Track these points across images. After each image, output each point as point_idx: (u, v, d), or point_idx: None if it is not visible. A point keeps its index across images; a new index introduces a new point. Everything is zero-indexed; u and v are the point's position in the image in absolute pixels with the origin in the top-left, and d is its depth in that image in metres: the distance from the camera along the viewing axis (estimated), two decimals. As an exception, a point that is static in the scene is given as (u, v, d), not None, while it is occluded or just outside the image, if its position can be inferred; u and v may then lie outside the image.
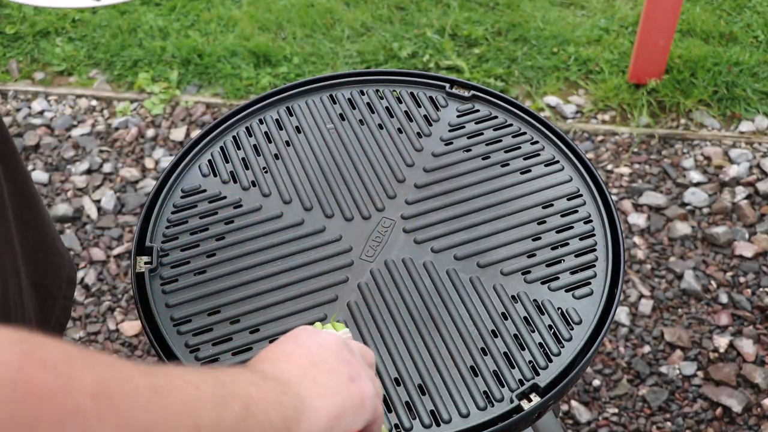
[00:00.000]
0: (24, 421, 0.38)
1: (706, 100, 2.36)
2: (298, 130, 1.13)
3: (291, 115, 1.14)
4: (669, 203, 2.13)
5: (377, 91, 1.16)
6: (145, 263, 0.98)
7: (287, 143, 1.11)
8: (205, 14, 2.67)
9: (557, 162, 1.08)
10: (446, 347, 0.91)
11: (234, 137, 1.12)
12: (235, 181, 1.07)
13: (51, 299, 1.01)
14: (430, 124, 1.12)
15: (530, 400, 0.87)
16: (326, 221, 1.02)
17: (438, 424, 0.86)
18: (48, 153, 2.33)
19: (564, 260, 0.98)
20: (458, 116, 1.13)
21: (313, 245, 1.00)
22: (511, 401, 0.87)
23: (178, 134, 2.36)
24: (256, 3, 2.70)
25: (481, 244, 1.00)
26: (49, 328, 1.01)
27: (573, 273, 0.97)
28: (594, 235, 1.00)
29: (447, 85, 1.16)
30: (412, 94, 1.16)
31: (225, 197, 1.06)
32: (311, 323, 0.93)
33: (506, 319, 0.94)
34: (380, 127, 1.12)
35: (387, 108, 1.14)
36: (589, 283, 0.96)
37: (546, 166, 1.07)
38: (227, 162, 1.09)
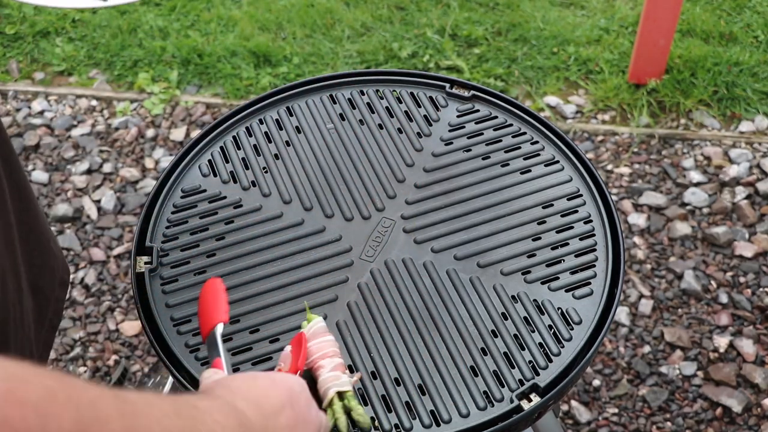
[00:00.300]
0: None
1: (706, 100, 2.36)
2: (298, 130, 1.13)
3: (291, 115, 1.14)
4: (669, 203, 2.13)
5: (377, 91, 1.16)
6: (145, 263, 0.98)
7: (287, 143, 1.11)
8: (205, 14, 2.67)
9: (557, 162, 1.08)
10: (446, 347, 0.91)
11: (234, 137, 1.12)
12: (235, 181, 1.07)
13: (45, 301, 1.01)
14: (430, 124, 1.12)
15: (530, 400, 0.87)
16: (326, 221, 1.02)
17: (438, 424, 0.86)
18: (48, 153, 2.33)
19: (564, 260, 0.98)
20: (458, 116, 1.13)
21: (313, 245, 1.00)
22: (511, 401, 0.87)
23: (178, 134, 2.36)
24: (256, 3, 2.70)
25: (481, 244, 1.00)
26: (43, 330, 1.01)
27: (573, 273, 0.97)
28: (594, 235, 1.00)
29: (447, 85, 1.16)
30: (412, 94, 1.16)
31: (225, 197, 1.06)
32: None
33: (506, 319, 0.94)
34: (380, 127, 1.12)
35: (387, 108, 1.14)
36: (589, 283, 0.96)
37: (546, 166, 1.07)
38: (227, 162, 1.09)
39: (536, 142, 1.10)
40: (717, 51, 2.45)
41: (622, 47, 2.50)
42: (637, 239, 2.05)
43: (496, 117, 1.13)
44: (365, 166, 1.08)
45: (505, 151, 1.09)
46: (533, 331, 0.92)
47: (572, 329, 0.93)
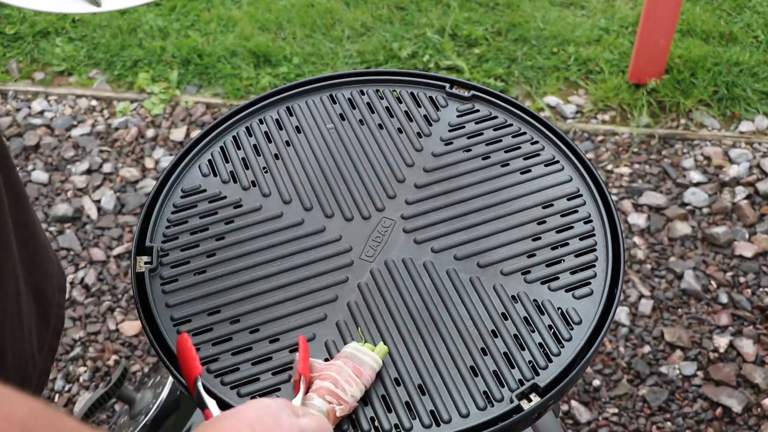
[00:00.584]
0: None
1: (706, 100, 2.36)
2: (298, 130, 1.13)
3: (291, 115, 1.14)
4: (669, 203, 2.13)
5: (377, 91, 1.16)
6: (145, 263, 0.98)
7: (287, 143, 1.11)
8: (205, 14, 2.67)
9: (557, 162, 1.08)
10: (446, 347, 0.91)
11: (234, 137, 1.12)
12: (235, 181, 1.07)
13: (47, 305, 1.02)
14: (430, 124, 1.12)
15: (530, 400, 0.87)
16: (326, 221, 1.02)
17: (438, 424, 0.86)
18: (48, 153, 2.33)
19: (564, 260, 0.98)
20: (458, 116, 1.13)
21: (313, 245, 1.00)
22: (511, 401, 0.87)
23: (178, 134, 2.36)
24: (256, 3, 2.70)
25: (481, 244, 1.00)
26: (47, 334, 1.01)
27: (573, 273, 0.97)
28: (594, 235, 1.00)
29: (447, 85, 1.16)
30: (412, 94, 1.16)
31: (225, 197, 1.06)
32: (311, 323, 0.93)
33: (506, 319, 0.93)
34: (380, 127, 1.12)
35: (387, 108, 1.14)
36: (589, 283, 0.96)
37: (546, 166, 1.07)
38: (227, 162, 1.09)
39: (536, 142, 1.10)
40: (717, 51, 2.45)
41: (622, 47, 2.50)
42: (637, 239, 2.05)
43: (496, 117, 1.13)
44: (365, 166, 1.08)
45: (505, 151, 1.09)
46: (533, 331, 0.92)
47: (572, 329, 0.93)
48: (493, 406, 0.87)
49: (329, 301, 0.95)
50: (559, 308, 0.94)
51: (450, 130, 1.12)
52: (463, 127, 1.12)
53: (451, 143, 1.10)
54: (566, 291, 0.96)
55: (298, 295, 0.96)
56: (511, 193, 1.05)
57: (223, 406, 0.87)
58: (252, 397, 0.88)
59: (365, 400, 0.88)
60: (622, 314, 1.92)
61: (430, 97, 1.16)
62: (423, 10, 2.66)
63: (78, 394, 1.85)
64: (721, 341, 1.86)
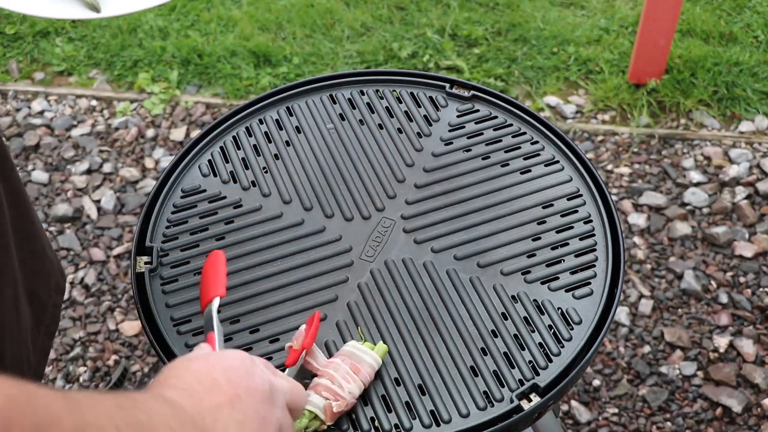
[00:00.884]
0: None
1: (706, 100, 2.36)
2: (298, 130, 1.13)
3: (291, 115, 1.14)
4: (669, 203, 2.13)
5: (377, 91, 1.17)
6: (145, 263, 0.98)
7: (287, 143, 1.11)
8: (205, 14, 2.67)
9: (557, 162, 1.08)
10: (446, 347, 0.91)
11: (234, 137, 1.12)
12: (235, 181, 1.07)
13: (42, 307, 1.01)
14: (430, 124, 1.12)
15: (530, 400, 0.87)
16: (326, 221, 1.02)
17: (438, 424, 0.86)
18: (48, 153, 2.33)
19: (564, 260, 0.98)
20: (458, 116, 1.13)
21: (313, 245, 1.00)
22: (511, 401, 0.87)
23: (178, 134, 2.36)
24: (256, 3, 2.70)
25: (481, 244, 1.00)
26: (39, 335, 1.01)
27: (573, 273, 0.97)
28: (594, 235, 1.00)
29: (447, 85, 1.16)
30: (412, 94, 1.16)
31: (225, 197, 1.06)
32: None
33: (506, 319, 0.94)
34: (380, 127, 1.12)
35: (387, 108, 1.14)
36: (589, 283, 0.96)
37: (546, 166, 1.07)
38: (227, 162, 1.09)
39: (536, 142, 1.10)
40: (717, 51, 2.45)
41: (622, 47, 2.50)
42: (637, 239, 2.05)
43: (496, 117, 1.13)
44: (365, 166, 1.08)
45: (505, 151, 1.09)
46: (533, 331, 0.92)
47: (572, 329, 0.93)
48: (493, 406, 0.87)
49: (329, 301, 0.95)
50: (559, 308, 0.94)
51: (450, 130, 1.12)
52: (463, 127, 1.12)
53: (451, 143, 1.10)
54: (566, 291, 0.96)
55: (298, 295, 0.96)
56: (511, 193, 1.05)
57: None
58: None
59: (365, 399, 0.88)
60: (622, 314, 1.92)
61: (430, 97, 1.16)
62: (423, 10, 2.66)
63: (78, 394, 1.85)
64: (721, 341, 1.86)
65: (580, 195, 1.04)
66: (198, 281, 0.97)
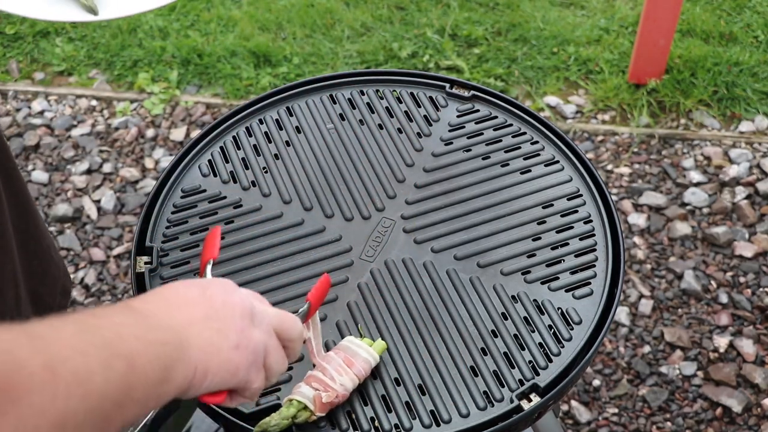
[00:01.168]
0: None
1: (706, 100, 2.36)
2: (298, 130, 1.13)
3: (291, 115, 1.14)
4: (669, 203, 2.13)
5: (377, 91, 1.16)
6: (145, 263, 0.98)
7: (287, 143, 1.11)
8: (205, 14, 2.67)
9: (557, 162, 1.08)
10: (446, 347, 0.91)
11: (234, 137, 1.12)
12: (235, 181, 1.07)
13: (47, 309, 1.01)
14: (430, 124, 1.12)
15: (530, 400, 0.87)
16: (326, 221, 1.02)
17: (438, 424, 0.86)
18: (48, 153, 2.33)
19: (564, 260, 0.98)
20: (458, 116, 1.13)
21: (313, 245, 1.00)
22: (511, 401, 0.87)
23: (178, 134, 2.36)
24: (256, 3, 2.70)
25: (481, 244, 1.00)
26: None
27: (573, 273, 0.97)
28: (594, 235, 1.00)
29: (447, 85, 1.16)
30: (412, 94, 1.16)
31: (225, 197, 1.06)
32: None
33: (506, 319, 0.93)
34: (380, 127, 1.12)
35: (387, 108, 1.14)
36: (589, 283, 0.96)
37: (546, 166, 1.07)
38: (227, 162, 1.09)
39: (536, 142, 1.10)
40: (717, 51, 2.45)
41: (622, 47, 2.50)
42: (637, 239, 2.05)
43: (496, 117, 1.13)
44: (365, 166, 1.08)
45: (505, 151, 1.09)
46: (533, 331, 0.92)
47: (572, 329, 0.93)
48: (493, 406, 0.87)
49: (329, 301, 0.95)
50: (559, 308, 0.94)
51: (450, 130, 1.12)
52: (463, 127, 1.12)
53: (451, 143, 1.10)
54: (566, 291, 0.96)
55: (298, 295, 0.96)
56: (511, 193, 1.04)
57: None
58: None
59: (365, 399, 0.88)
60: (622, 314, 1.92)
61: (430, 97, 1.16)
62: (423, 10, 2.66)
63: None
64: (721, 341, 1.86)
65: (580, 195, 1.04)
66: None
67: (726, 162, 2.22)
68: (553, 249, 0.99)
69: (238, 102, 2.41)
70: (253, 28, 2.61)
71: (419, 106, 1.15)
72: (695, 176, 2.18)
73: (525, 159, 1.08)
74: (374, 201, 1.04)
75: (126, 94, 2.47)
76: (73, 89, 2.50)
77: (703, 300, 1.94)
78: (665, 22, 2.23)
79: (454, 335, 0.92)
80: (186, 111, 2.41)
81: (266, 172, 1.08)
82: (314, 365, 0.86)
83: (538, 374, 0.89)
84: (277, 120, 1.14)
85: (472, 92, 1.15)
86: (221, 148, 1.11)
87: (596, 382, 1.82)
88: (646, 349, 1.87)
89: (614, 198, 2.12)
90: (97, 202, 2.20)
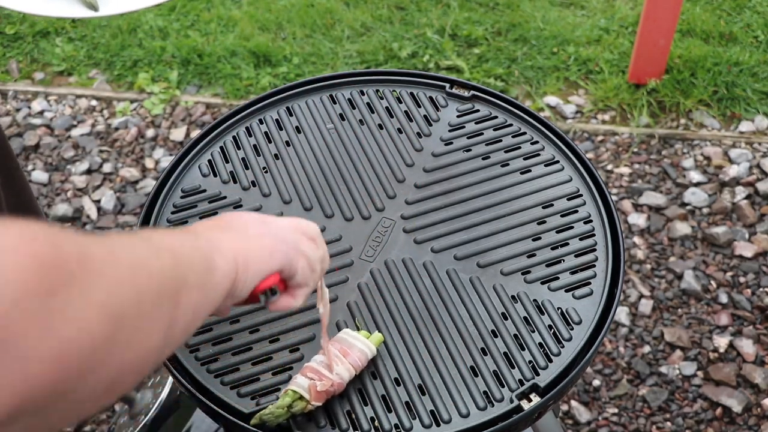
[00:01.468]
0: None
1: (706, 100, 2.36)
2: (298, 130, 1.13)
3: (291, 115, 1.14)
4: (669, 203, 2.13)
5: (377, 91, 1.16)
6: (145, 263, 0.98)
7: (287, 143, 1.11)
8: (205, 14, 2.67)
9: (557, 162, 1.08)
10: (446, 347, 0.91)
11: (234, 137, 1.12)
12: (235, 181, 1.07)
13: None
14: (430, 124, 1.12)
15: (530, 400, 0.87)
16: (326, 221, 1.02)
17: (438, 424, 0.86)
18: (48, 153, 2.33)
19: (564, 260, 0.98)
20: (458, 116, 1.13)
21: (313, 245, 1.00)
22: (511, 401, 0.87)
23: (178, 134, 2.36)
24: (256, 3, 2.70)
25: (481, 244, 1.00)
26: None
27: (573, 273, 0.97)
28: (594, 235, 1.00)
29: (447, 85, 1.16)
30: (412, 94, 1.16)
31: (225, 197, 1.06)
32: (311, 323, 0.93)
33: (506, 319, 0.93)
34: (380, 127, 1.12)
35: (387, 108, 1.14)
36: (589, 283, 0.96)
37: (546, 166, 1.07)
38: (227, 162, 1.09)
39: (536, 142, 1.10)
40: (717, 51, 2.45)
41: (622, 47, 2.50)
42: (637, 239, 2.05)
43: (496, 117, 1.13)
44: (365, 166, 1.08)
45: (505, 151, 1.09)
46: (533, 331, 0.92)
47: (572, 329, 0.93)
48: (493, 406, 0.87)
49: (329, 301, 0.95)
50: (559, 308, 0.94)
51: (450, 130, 1.12)
52: (463, 127, 1.12)
53: (451, 143, 1.10)
54: (566, 291, 0.96)
55: (298, 295, 0.96)
56: (511, 193, 1.05)
57: (223, 405, 0.87)
58: (252, 398, 0.88)
59: (365, 399, 0.88)
60: (622, 314, 1.92)
61: (430, 97, 1.16)
62: (423, 10, 2.66)
63: (78, 394, 1.85)
64: (721, 341, 1.86)
65: (580, 195, 1.04)
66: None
67: (726, 162, 2.22)
68: (553, 249, 0.99)
69: (238, 102, 2.41)
70: (253, 28, 2.61)
71: (419, 106, 1.15)
72: (695, 176, 2.18)
73: (525, 159, 1.08)
74: (374, 201, 1.04)
75: (126, 94, 2.47)
76: (73, 89, 2.50)
77: (703, 300, 1.94)
78: (665, 22, 2.23)
79: (454, 335, 0.92)
80: (186, 111, 2.41)
81: (266, 172, 1.08)
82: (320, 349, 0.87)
83: (538, 374, 0.89)
84: (277, 120, 1.14)
85: (472, 92, 1.15)
86: (221, 148, 1.11)
87: (596, 382, 1.82)
88: (646, 349, 1.87)
89: (614, 198, 2.12)
90: (97, 202, 2.20)
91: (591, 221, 1.02)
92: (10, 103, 2.48)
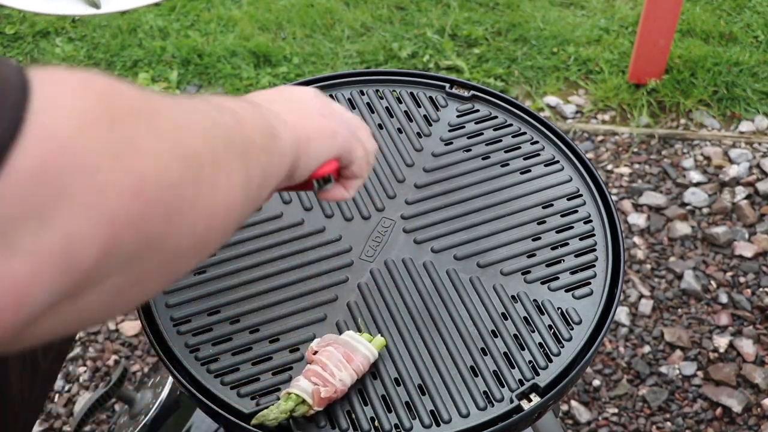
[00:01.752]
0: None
1: (706, 100, 2.36)
2: (298, 130, 1.12)
3: (291, 115, 1.14)
4: (669, 203, 2.13)
5: (377, 91, 1.16)
6: (145, 263, 0.98)
7: (287, 143, 1.11)
8: (205, 14, 2.67)
9: (557, 162, 1.08)
10: (446, 347, 0.91)
11: (234, 137, 1.12)
12: (235, 181, 1.07)
13: None
14: (430, 124, 1.12)
15: (530, 400, 0.87)
16: (326, 221, 1.02)
17: (438, 424, 0.86)
18: (48, 153, 2.33)
19: (564, 260, 0.98)
20: (458, 116, 1.13)
21: (312, 245, 1.00)
22: (511, 401, 0.87)
23: (178, 134, 2.36)
24: (256, 3, 2.70)
25: (481, 244, 1.00)
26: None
27: (573, 273, 0.97)
28: (594, 235, 1.00)
29: (447, 85, 1.16)
30: (412, 94, 1.16)
31: (225, 197, 1.05)
32: (312, 324, 0.93)
33: (506, 319, 0.93)
34: (380, 127, 1.12)
35: (387, 108, 1.14)
36: (589, 283, 0.96)
37: (546, 166, 1.07)
38: (227, 162, 1.09)
39: (536, 142, 1.10)
40: (717, 51, 2.45)
41: (622, 47, 2.50)
42: (637, 239, 2.05)
43: (496, 117, 1.13)
44: (365, 166, 1.08)
45: (505, 151, 1.09)
46: (533, 331, 0.92)
47: (572, 329, 0.93)
48: (493, 406, 0.87)
49: (329, 301, 0.95)
50: (559, 308, 0.94)
51: (450, 130, 1.12)
52: (463, 127, 1.12)
53: (451, 143, 1.10)
54: (566, 291, 0.96)
55: (298, 295, 0.96)
56: (511, 193, 1.04)
57: (223, 405, 0.87)
58: (252, 398, 0.88)
59: (365, 399, 0.88)
60: (622, 314, 1.92)
61: (430, 97, 1.16)
62: (423, 10, 2.66)
63: (78, 394, 1.85)
64: (721, 341, 1.86)
65: (580, 195, 1.04)
66: (197, 281, 0.97)
67: (726, 162, 2.22)
68: (553, 249, 0.99)
69: (238, 102, 2.40)
70: (253, 28, 2.61)
71: (419, 106, 1.15)
72: (695, 176, 2.18)
73: (525, 159, 1.08)
74: (374, 201, 1.04)
75: (126, 94, 2.47)
76: (73, 89, 2.50)
77: (703, 300, 1.94)
78: (665, 22, 2.23)
79: (454, 335, 0.92)
80: (186, 111, 2.41)
81: (266, 172, 1.08)
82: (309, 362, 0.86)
83: (538, 374, 0.89)
84: (277, 120, 1.14)
85: (472, 92, 1.15)
86: (221, 148, 1.11)
87: (596, 382, 1.82)
88: (646, 349, 1.87)
89: (614, 198, 2.12)
90: (97, 202, 2.20)
91: (591, 221, 1.02)
92: (10, 103, 2.47)
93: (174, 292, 0.96)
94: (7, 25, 2.67)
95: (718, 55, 2.43)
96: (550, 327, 0.93)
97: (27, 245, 0.37)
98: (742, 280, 1.97)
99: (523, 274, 0.97)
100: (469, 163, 1.08)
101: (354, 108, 1.14)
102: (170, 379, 1.24)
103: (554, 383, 0.88)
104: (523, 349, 0.91)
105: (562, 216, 1.02)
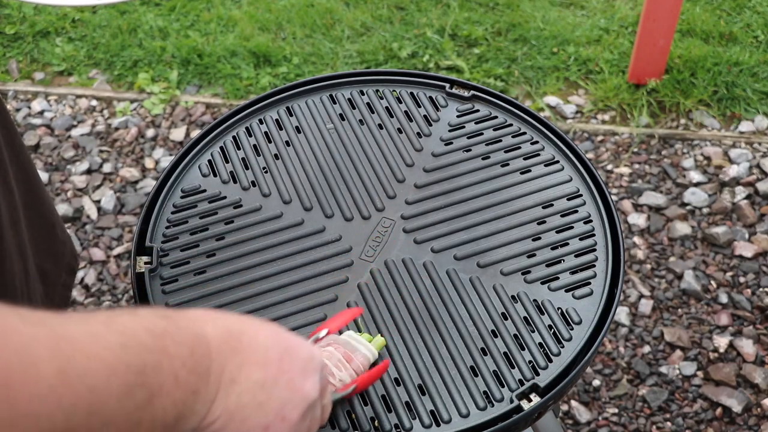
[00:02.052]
0: None
1: (706, 100, 2.36)
2: (298, 130, 1.13)
3: (291, 115, 1.14)
4: (669, 203, 2.13)
5: (377, 91, 1.16)
6: (145, 263, 0.98)
7: (287, 143, 1.11)
8: (205, 14, 2.67)
9: (557, 162, 1.08)
10: (446, 347, 0.91)
11: (234, 137, 1.12)
12: (235, 181, 1.07)
13: (51, 286, 1.02)
14: (430, 124, 1.12)
15: (530, 400, 0.87)
16: (326, 221, 1.02)
17: (438, 424, 0.86)
18: (48, 153, 2.33)
19: (564, 260, 0.98)
20: (458, 116, 1.13)
21: (313, 245, 1.00)
22: (511, 401, 0.87)
23: (178, 134, 2.36)
24: (256, 3, 2.70)
25: (481, 244, 1.00)
26: None
27: (573, 273, 0.97)
28: (594, 235, 1.00)
29: (447, 85, 1.16)
30: (412, 94, 1.16)
31: (225, 197, 1.06)
32: (312, 324, 0.93)
33: (506, 319, 0.94)
34: (380, 127, 1.12)
35: (387, 108, 1.14)
36: (589, 283, 0.96)
37: (546, 166, 1.07)
38: (227, 162, 1.09)
39: (536, 142, 1.10)
40: (717, 51, 2.45)
41: (622, 47, 2.50)
42: (637, 239, 2.05)
43: (496, 117, 1.13)
44: (365, 166, 1.08)
45: (505, 151, 1.09)
46: (533, 331, 0.92)
47: (572, 329, 0.93)
48: (493, 406, 0.87)
49: (329, 301, 0.95)
50: (559, 308, 0.94)
51: (450, 130, 1.12)
52: (463, 127, 1.12)
53: (451, 143, 1.10)
54: (566, 291, 0.96)
55: (298, 296, 0.96)
56: (511, 193, 1.05)
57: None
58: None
59: (365, 399, 0.88)
60: (622, 314, 1.92)
61: (430, 97, 1.16)
62: (423, 10, 2.66)
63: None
64: (721, 341, 1.86)
65: (580, 195, 1.04)
66: (197, 282, 0.97)
67: (726, 162, 2.22)
68: (553, 249, 0.99)
69: (238, 102, 2.41)
70: (253, 28, 2.61)
71: (419, 106, 1.15)
72: (695, 176, 2.18)
73: (525, 159, 1.08)
74: (374, 201, 1.04)
75: (126, 94, 2.47)
76: (73, 89, 2.50)
77: (703, 300, 1.94)
78: (665, 22, 2.23)
79: (454, 335, 0.92)
80: (186, 111, 2.41)
81: (266, 172, 1.08)
82: None
83: (538, 374, 0.89)
84: (277, 120, 1.14)
85: (472, 92, 1.15)
86: (221, 148, 1.11)
87: (596, 382, 1.82)
88: (646, 349, 1.87)
89: (614, 198, 2.12)
90: (97, 202, 2.20)
91: (591, 221, 1.02)
92: (10, 103, 2.48)
93: (174, 292, 0.96)
94: (7, 25, 2.67)
95: (718, 55, 2.43)
96: (550, 327, 0.93)
97: None
98: (742, 280, 1.97)
99: (523, 274, 0.97)
100: (469, 163, 1.08)
101: (354, 108, 1.14)
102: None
103: (554, 383, 0.88)
104: (523, 349, 0.91)
105: (562, 216, 1.02)
